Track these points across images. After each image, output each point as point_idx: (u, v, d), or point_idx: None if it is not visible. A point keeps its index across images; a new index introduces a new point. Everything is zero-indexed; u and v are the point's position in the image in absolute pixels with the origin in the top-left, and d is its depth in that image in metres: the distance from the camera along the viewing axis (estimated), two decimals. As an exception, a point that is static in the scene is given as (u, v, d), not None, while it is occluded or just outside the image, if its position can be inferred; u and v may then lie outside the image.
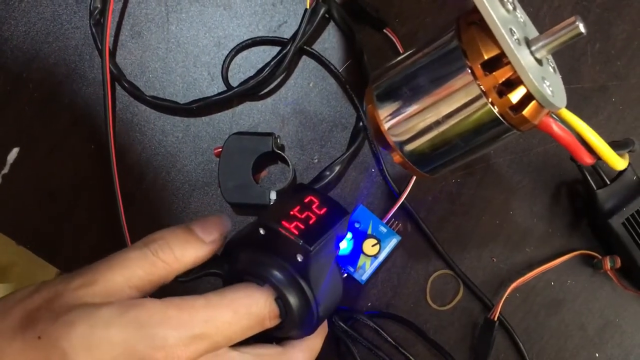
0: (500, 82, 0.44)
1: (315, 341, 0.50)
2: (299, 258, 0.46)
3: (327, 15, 0.67)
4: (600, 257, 0.64)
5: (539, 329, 0.66)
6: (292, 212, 0.47)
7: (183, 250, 0.46)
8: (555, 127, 0.47)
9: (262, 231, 0.47)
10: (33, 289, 0.43)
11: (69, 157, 0.68)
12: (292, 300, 0.46)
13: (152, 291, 0.46)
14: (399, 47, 0.67)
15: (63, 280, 0.43)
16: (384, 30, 0.67)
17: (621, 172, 0.64)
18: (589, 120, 0.47)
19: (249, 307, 0.44)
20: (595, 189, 0.64)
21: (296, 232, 0.46)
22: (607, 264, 0.63)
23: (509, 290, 0.65)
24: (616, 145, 0.49)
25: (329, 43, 0.68)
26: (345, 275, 0.65)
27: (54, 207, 0.68)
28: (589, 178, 0.64)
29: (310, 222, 0.47)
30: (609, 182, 0.64)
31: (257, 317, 0.45)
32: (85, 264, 0.44)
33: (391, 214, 0.66)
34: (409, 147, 0.50)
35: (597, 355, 0.66)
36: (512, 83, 0.44)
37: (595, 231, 0.67)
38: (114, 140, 0.66)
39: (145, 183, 0.68)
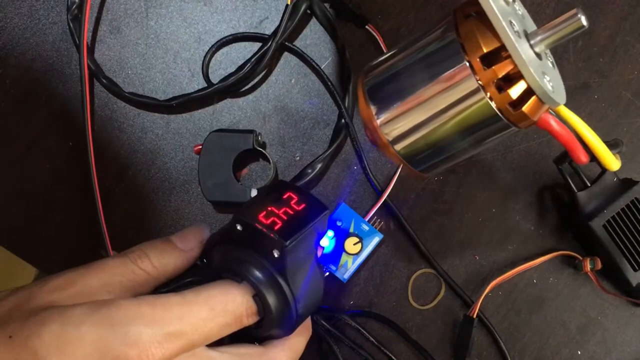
0: (500, 76, 0.41)
1: (297, 341, 0.48)
2: (276, 254, 0.43)
3: (308, 11, 0.64)
4: (581, 258, 0.62)
5: (520, 326, 0.64)
6: (269, 208, 0.45)
7: (161, 259, 0.45)
8: (555, 124, 0.45)
9: (239, 227, 0.45)
10: (8, 292, 0.42)
11: (47, 154, 0.65)
12: (270, 297, 0.44)
13: None
14: (381, 43, 0.64)
15: (38, 283, 0.42)
16: (366, 27, 0.64)
17: (601, 174, 0.61)
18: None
19: (225, 304, 0.42)
20: (575, 191, 0.61)
21: (273, 228, 0.44)
22: (587, 265, 0.61)
23: (489, 288, 0.62)
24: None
25: (311, 39, 0.65)
26: (327, 273, 0.62)
27: (32, 205, 0.64)
28: (570, 180, 0.61)
29: (288, 217, 0.45)
30: (589, 184, 0.61)
31: (234, 314, 0.43)
32: (63, 262, 0.41)
33: (373, 212, 0.63)
34: (403, 145, 0.48)
35: (579, 353, 0.63)
36: (512, 78, 0.42)
37: (576, 233, 0.64)
38: (92, 138, 0.62)
39: (124, 181, 0.64)
